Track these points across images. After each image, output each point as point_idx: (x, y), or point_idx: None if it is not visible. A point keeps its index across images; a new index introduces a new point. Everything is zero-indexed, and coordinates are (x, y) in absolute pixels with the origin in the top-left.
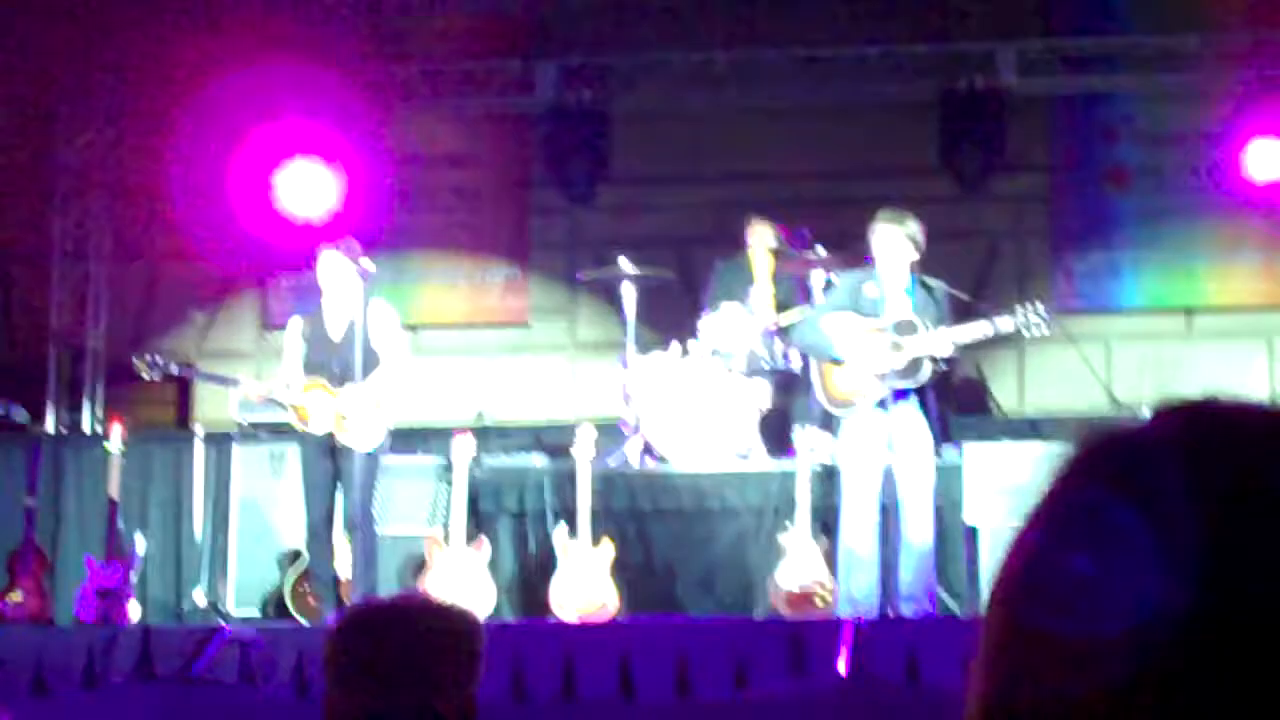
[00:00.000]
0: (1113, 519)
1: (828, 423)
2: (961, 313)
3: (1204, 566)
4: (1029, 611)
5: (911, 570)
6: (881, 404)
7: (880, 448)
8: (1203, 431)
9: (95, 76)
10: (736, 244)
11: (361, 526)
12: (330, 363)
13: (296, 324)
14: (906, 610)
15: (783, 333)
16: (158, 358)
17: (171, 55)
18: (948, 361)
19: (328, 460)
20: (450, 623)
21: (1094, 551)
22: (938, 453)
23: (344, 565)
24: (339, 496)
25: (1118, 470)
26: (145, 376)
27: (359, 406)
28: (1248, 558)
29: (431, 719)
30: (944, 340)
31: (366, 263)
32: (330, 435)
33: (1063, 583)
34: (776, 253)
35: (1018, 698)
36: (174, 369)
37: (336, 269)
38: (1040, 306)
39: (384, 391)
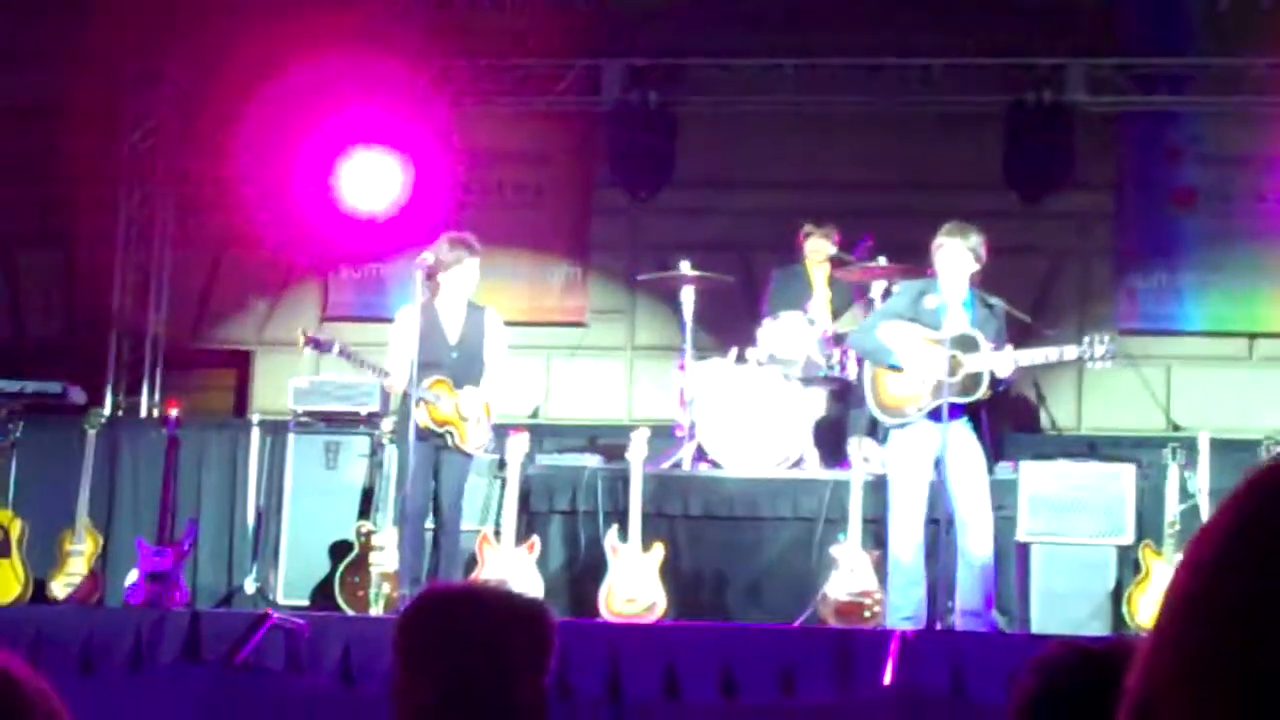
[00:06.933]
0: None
1: (874, 432)
2: (1021, 332)
3: None
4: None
5: (971, 584)
6: (934, 417)
7: (928, 461)
8: None
9: (163, 65)
10: (796, 251)
11: (452, 522)
12: (444, 362)
13: (409, 316)
14: (965, 624)
15: (839, 339)
16: (319, 337)
17: (240, 45)
18: (1005, 381)
19: (431, 452)
20: (521, 610)
21: None
22: (990, 469)
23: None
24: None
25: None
26: (302, 352)
27: (478, 410)
28: None
29: (503, 705)
30: (1007, 360)
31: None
32: (433, 430)
33: None
34: (835, 261)
35: None
36: (334, 349)
37: (466, 267)
38: (1108, 340)
39: (494, 397)
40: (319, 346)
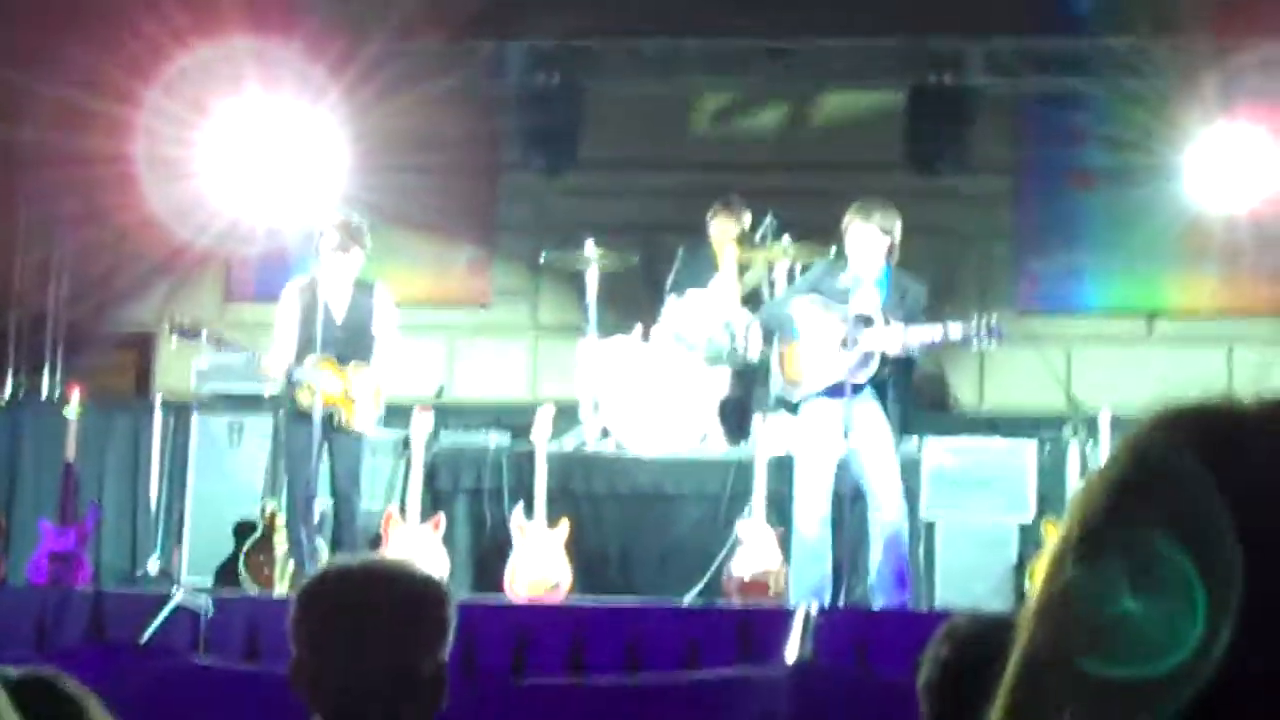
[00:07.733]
0: (1151, 551)
1: (780, 409)
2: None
3: (1239, 605)
4: (1068, 644)
5: (883, 551)
6: (837, 393)
7: (835, 437)
8: (1225, 449)
9: (62, 46)
10: (702, 231)
11: (348, 502)
12: (330, 339)
13: (293, 294)
14: (878, 595)
15: (750, 305)
16: (185, 324)
17: (139, 27)
18: (903, 360)
19: (319, 432)
20: (420, 587)
21: (1135, 587)
22: (895, 443)
23: None
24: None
25: (1150, 495)
26: (171, 341)
27: (367, 389)
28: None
29: (402, 681)
30: (894, 338)
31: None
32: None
33: (1104, 619)
34: (740, 241)
35: None
36: (203, 337)
37: (344, 245)
38: (994, 321)
39: (385, 376)
40: (185, 335)
